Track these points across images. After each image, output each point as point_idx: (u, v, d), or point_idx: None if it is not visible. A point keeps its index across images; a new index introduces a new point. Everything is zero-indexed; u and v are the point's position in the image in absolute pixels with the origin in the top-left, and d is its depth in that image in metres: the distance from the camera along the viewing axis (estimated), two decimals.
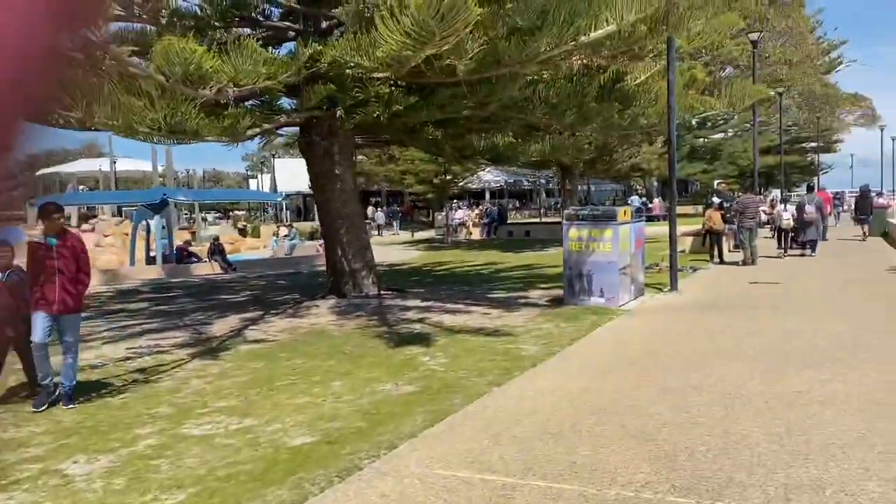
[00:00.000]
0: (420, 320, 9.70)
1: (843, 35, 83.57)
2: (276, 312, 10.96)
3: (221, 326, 10.03)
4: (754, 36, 23.44)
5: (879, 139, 58.54)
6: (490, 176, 52.20)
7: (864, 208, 22.86)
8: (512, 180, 54.12)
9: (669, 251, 12.16)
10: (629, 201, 45.15)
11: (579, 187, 54.73)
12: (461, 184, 34.80)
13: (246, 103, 10.76)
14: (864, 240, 21.77)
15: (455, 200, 42.79)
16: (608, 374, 6.41)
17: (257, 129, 9.56)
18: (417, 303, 11.20)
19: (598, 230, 10.53)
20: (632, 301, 10.81)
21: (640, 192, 55.84)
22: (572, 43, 9.47)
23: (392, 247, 27.96)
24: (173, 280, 17.79)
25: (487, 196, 54.35)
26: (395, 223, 40.08)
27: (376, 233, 37.39)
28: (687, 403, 5.38)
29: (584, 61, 11.94)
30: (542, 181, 54.44)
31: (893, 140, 62.39)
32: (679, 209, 45.28)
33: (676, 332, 8.35)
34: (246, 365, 7.53)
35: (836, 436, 4.49)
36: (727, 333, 8.14)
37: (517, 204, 59.26)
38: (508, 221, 36.09)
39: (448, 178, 29.39)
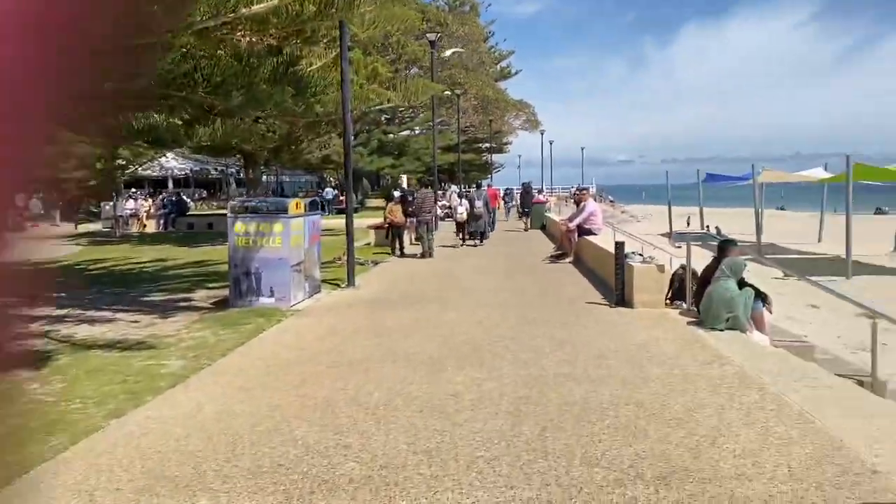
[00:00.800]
0: (45, 334, 7.94)
1: (511, 47, 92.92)
2: None
3: None
4: (432, 36, 24.43)
5: (540, 142, 66.00)
6: (174, 163, 48.33)
7: (526, 203, 25.22)
8: (198, 168, 50.77)
9: (347, 245, 11.77)
10: (323, 193, 45.08)
11: (272, 178, 53.25)
12: (135, 170, 31.34)
13: None
14: (525, 231, 23.98)
15: (133, 189, 38.72)
16: (259, 391, 5.61)
17: None
18: (49, 311, 9.30)
19: (266, 224, 9.67)
20: (306, 300, 10.17)
21: (333, 183, 56.14)
22: (232, 15, 8.47)
23: (47, 242, 24.10)
24: None
25: (171, 185, 50.33)
26: (55, 213, 34.89)
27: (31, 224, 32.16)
28: (339, 420, 4.79)
29: (252, 39, 10.98)
30: (233, 170, 51.94)
31: (551, 143, 71.07)
32: (372, 202, 45.88)
33: (345, 333, 7.85)
34: None
35: (484, 446, 4.21)
36: (395, 331, 7.85)
37: (204, 194, 55.80)
38: (190, 213, 33.48)
39: (117, 163, 26.12)
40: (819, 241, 27.23)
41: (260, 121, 16.81)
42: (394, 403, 5.12)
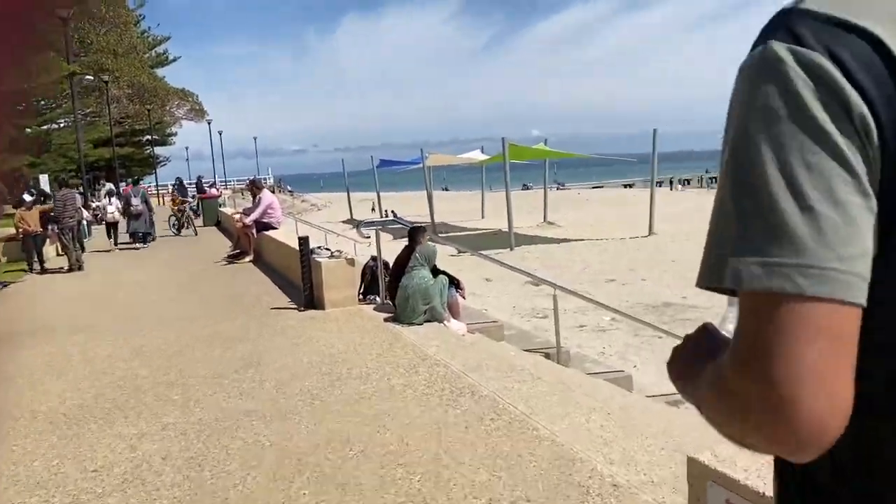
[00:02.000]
0: None
1: (167, 32, 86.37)
2: None
3: None
4: (64, 12, 20.85)
5: (209, 133, 62.25)
6: None
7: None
8: None
9: None
10: None
11: None
12: None
13: None
14: (177, 232, 19.67)
15: None
16: None
17: None
18: None
19: None
20: None
21: None
22: None
23: None
24: None
25: None
26: None
27: None
28: None
29: None
30: None
31: (220, 134, 67.64)
32: (11, 210, 39.17)
33: None
34: None
35: None
36: (19, 380, 5.95)
37: None
38: None
39: None
40: (483, 217, 29.43)
41: None
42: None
